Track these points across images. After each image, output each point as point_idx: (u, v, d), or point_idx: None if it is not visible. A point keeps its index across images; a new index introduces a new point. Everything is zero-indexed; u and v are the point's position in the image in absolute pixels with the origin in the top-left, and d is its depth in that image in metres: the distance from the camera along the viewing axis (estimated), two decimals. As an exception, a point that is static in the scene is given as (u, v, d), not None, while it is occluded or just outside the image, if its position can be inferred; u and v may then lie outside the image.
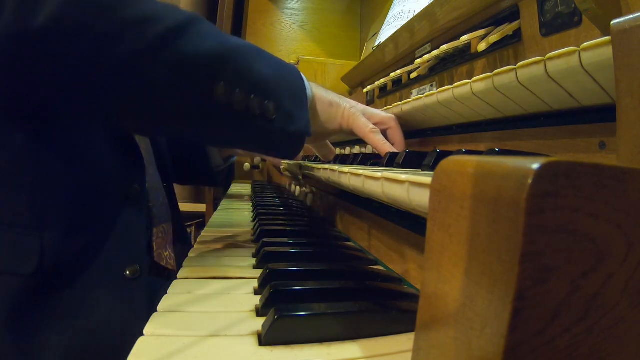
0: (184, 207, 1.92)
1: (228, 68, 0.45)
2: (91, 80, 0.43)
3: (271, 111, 0.48)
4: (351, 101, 0.65)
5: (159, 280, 0.68)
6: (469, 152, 0.49)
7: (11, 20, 0.38)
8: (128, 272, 0.61)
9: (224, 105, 0.46)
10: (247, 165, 1.73)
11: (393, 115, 0.70)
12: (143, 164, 0.68)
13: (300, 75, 0.55)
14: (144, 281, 0.63)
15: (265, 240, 0.58)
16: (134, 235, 0.66)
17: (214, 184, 1.24)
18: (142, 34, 0.41)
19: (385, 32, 1.13)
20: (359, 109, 0.65)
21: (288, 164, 0.96)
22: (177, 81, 0.43)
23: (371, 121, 0.65)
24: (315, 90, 0.59)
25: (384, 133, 0.68)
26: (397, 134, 0.69)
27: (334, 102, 0.60)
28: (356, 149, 1.02)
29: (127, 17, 0.41)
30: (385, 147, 0.64)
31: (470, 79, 0.46)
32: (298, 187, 1.22)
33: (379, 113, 0.69)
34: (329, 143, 0.71)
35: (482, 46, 0.60)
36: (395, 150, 0.64)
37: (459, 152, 0.48)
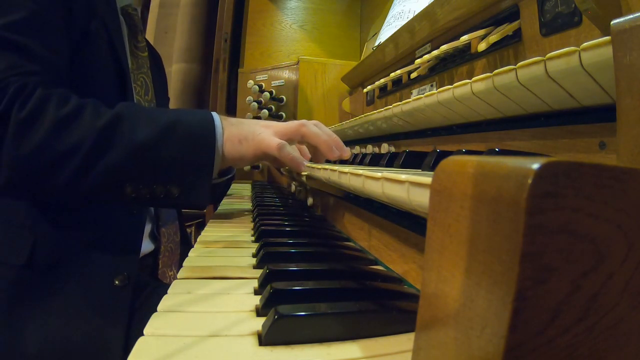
0: (184, 207, 1.92)
1: (133, 172, 0.57)
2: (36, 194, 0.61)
3: (174, 192, 0.58)
4: (263, 126, 0.67)
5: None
6: (469, 152, 0.49)
7: None
8: (117, 282, 0.66)
9: (132, 197, 0.58)
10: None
11: (300, 122, 0.69)
12: None
13: (207, 141, 0.60)
14: (130, 288, 0.67)
15: (265, 240, 0.58)
16: (129, 246, 0.71)
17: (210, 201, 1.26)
18: (71, 165, 0.55)
19: (385, 32, 1.12)
20: (269, 130, 0.67)
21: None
22: (95, 189, 0.57)
23: (282, 138, 0.66)
24: (227, 132, 0.63)
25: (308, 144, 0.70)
26: (313, 137, 0.68)
27: (242, 138, 0.64)
28: (356, 149, 1.02)
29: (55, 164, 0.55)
30: (292, 162, 0.66)
31: (470, 79, 0.46)
32: (298, 187, 1.22)
33: (285, 126, 0.69)
34: (289, 151, 0.68)
35: (482, 46, 0.60)
36: (303, 161, 0.66)
37: (459, 152, 0.48)
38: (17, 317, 0.60)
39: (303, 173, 0.68)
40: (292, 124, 0.70)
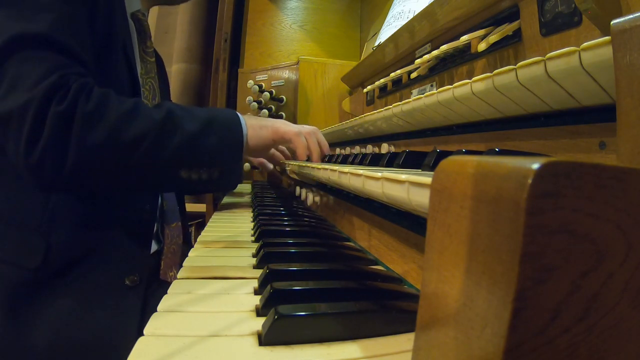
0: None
1: (188, 159, 0.65)
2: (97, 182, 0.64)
3: (216, 175, 0.68)
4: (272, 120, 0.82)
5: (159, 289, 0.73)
6: (469, 152, 0.49)
7: (42, 178, 0.59)
8: (128, 282, 0.69)
9: (185, 180, 0.66)
10: (247, 165, 1.73)
11: (299, 131, 0.83)
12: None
13: (237, 131, 0.71)
14: (142, 288, 0.70)
15: (265, 240, 0.58)
16: (140, 248, 0.74)
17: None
18: (138, 153, 0.61)
19: (385, 32, 1.12)
20: (288, 128, 0.82)
21: (286, 163, 0.96)
22: (157, 173, 0.64)
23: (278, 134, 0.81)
24: (249, 123, 0.76)
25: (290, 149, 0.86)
26: (298, 145, 0.83)
27: (262, 125, 0.79)
28: (356, 149, 1.02)
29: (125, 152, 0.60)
30: (304, 150, 0.82)
31: (470, 79, 0.46)
32: (298, 187, 1.22)
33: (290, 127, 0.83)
34: (303, 139, 0.84)
35: (482, 46, 0.60)
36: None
37: (459, 152, 0.48)
38: (28, 314, 0.62)
39: (287, 168, 0.79)
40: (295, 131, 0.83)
